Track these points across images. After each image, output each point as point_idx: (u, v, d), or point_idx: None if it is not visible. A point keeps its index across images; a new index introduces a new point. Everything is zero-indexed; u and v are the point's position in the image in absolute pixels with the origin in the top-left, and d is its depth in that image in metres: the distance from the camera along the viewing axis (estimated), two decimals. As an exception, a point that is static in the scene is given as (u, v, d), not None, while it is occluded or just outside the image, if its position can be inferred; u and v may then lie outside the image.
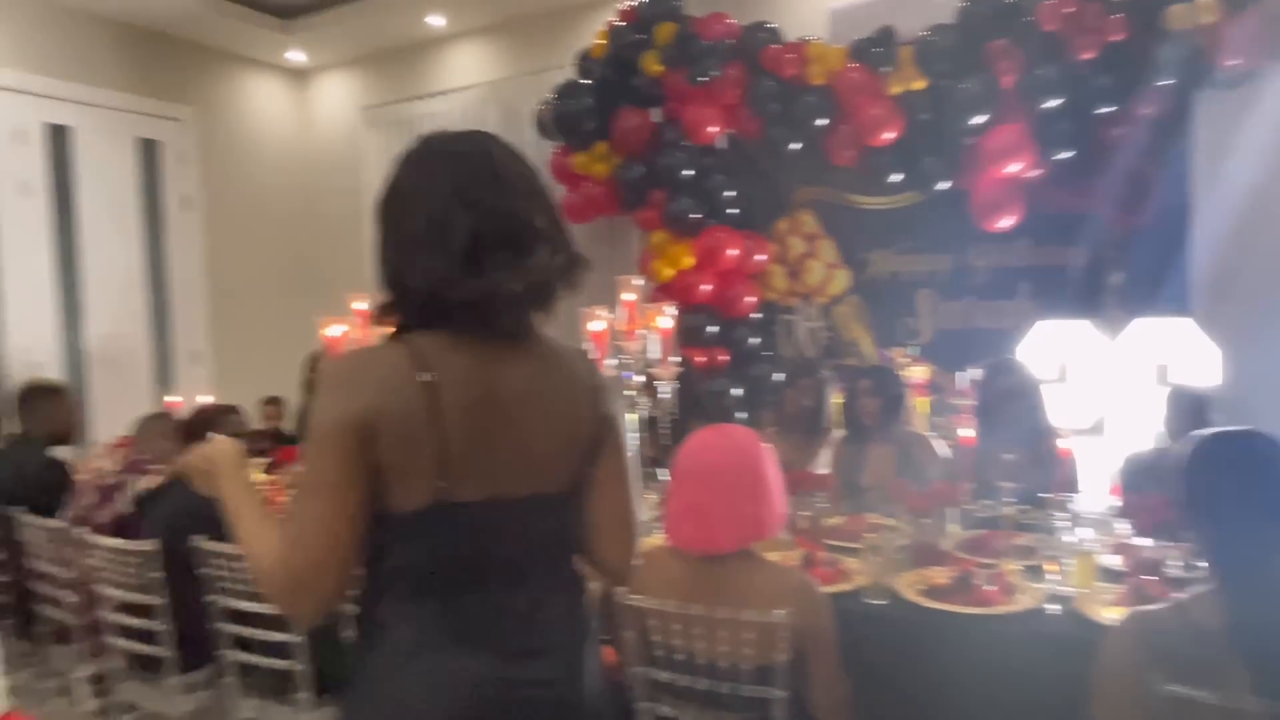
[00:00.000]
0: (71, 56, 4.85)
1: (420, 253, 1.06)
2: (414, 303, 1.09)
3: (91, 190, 4.97)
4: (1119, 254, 3.74)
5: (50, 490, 2.96)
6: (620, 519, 1.22)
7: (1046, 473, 2.57)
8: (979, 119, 3.59)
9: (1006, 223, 3.76)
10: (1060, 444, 2.45)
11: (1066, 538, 2.03)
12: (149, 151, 5.29)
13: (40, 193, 4.75)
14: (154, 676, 2.45)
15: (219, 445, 1.23)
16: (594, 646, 1.22)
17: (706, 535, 1.65)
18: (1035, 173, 3.65)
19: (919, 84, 3.74)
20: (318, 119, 6.14)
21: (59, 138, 4.84)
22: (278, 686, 2.35)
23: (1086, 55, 3.38)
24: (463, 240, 1.04)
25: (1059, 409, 2.99)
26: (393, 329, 1.11)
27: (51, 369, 4.70)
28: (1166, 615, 1.36)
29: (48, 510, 2.76)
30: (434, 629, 1.07)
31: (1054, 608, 1.90)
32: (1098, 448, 3.41)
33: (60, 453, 3.24)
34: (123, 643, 2.46)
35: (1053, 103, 3.45)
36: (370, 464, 1.03)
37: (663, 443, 2.65)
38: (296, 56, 5.87)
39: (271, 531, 1.09)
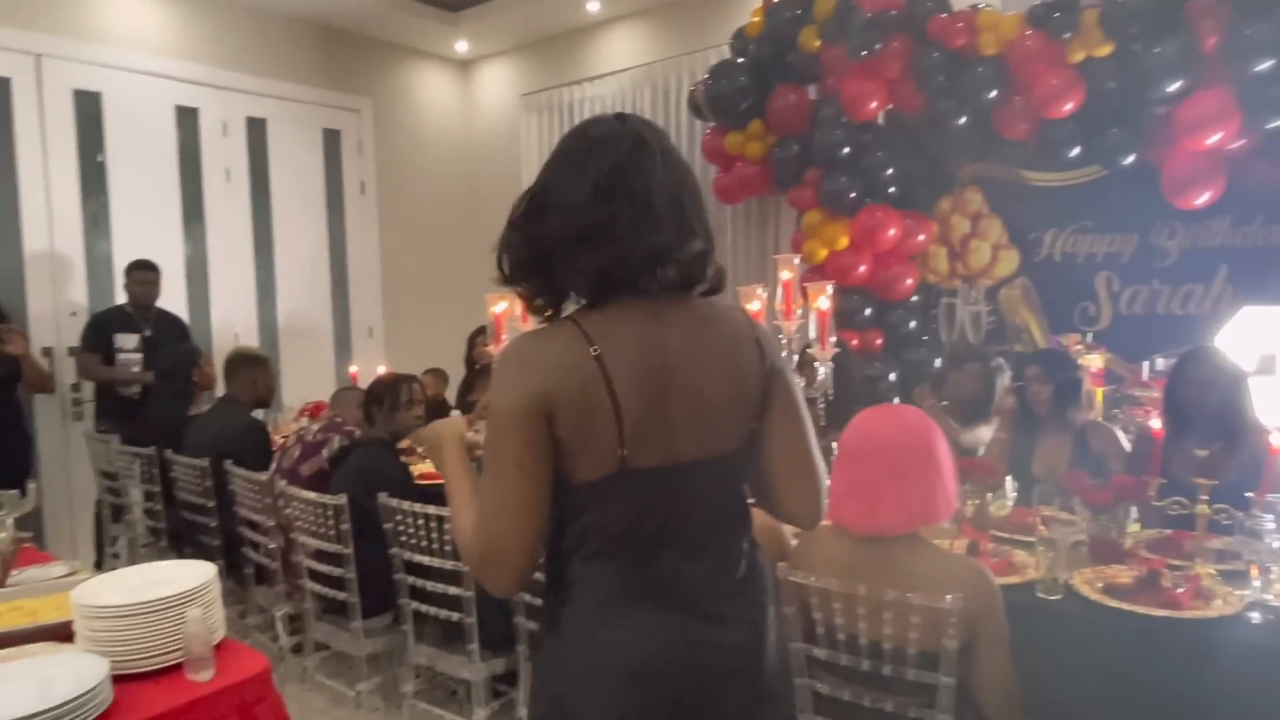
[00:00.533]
0: (268, 54, 5.31)
1: (560, 229, 1.11)
2: (550, 280, 1.13)
3: (282, 177, 5.44)
4: (1338, 233, 3.34)
5: (254, 447, 3.30)
6: (802, 466, 1.22)
7: (1250, 472, 2.35)
8: (1174, 85, 3.29)
9: (1203, 199, 3.43)
10: (1271, 441, 2.22)
11: (1273, 542, 1.85)
12: (332, 141, 5.72)
13: (241, 180, 5.24)
14: (341, 619, 2.69)
15: (450, 423, 1.31)
16: (775, 616, 1.23)
17: (873, 516, 1.63)
18: (1239, 143, 3.31)
19: (1104, 50, 3.47)
20: (481, 106, 6.43)
21: (257, 129, 5.32)
22: (449, 637, 2.52)
23: (1308, 10, 3.02)
24: (599, 218, 1.09)
25: (1265, 403, 2.72)
26: (548, 313, 1.16)
27: (248, 340, 5.21)
28: None
29: (252, 465, 3.08)
30: (622, 589, 1.12)
31: (1258, 616, 1.75)
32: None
33: (259, 415, 3.62)
34: (315, 586, 2.70)
35: (1264, 65, 3.11)
36: (551, 441, 1.08)
37: (819, 423, 2.62)
38: (461, 47, 6.15)
39: (474, 508, 1.15)
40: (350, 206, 5.82)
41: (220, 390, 3.74)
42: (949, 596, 1.52)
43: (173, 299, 4.66)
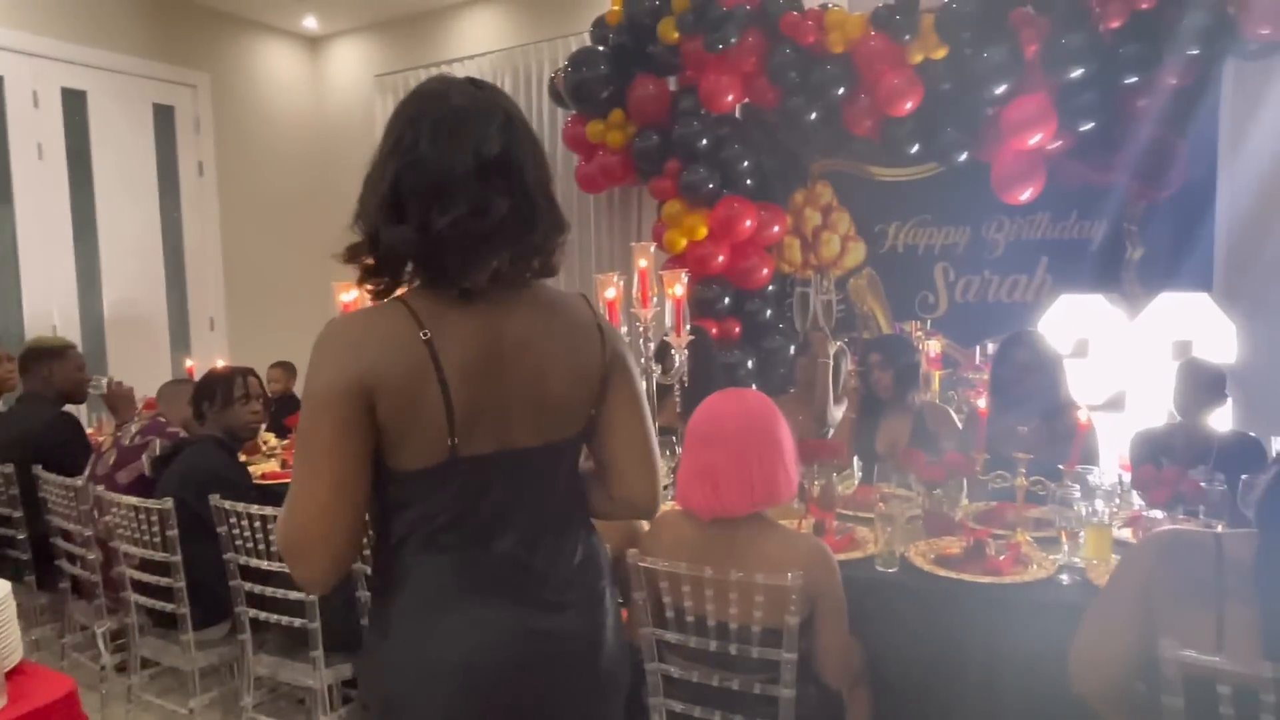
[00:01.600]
0: (88, 20, 4.83)
1: (364, 201, 1.06)
2: (374, 253, 1.06)
3: (107, 155, 4.98)
4: (1140, 228, 3.69)
5: (63, 443, 3.00)
6: (640, 453, 1.20)
7: (1063, 446, 2.55)
8: (1001, 89, 3.53)
9: (1026, 195, 3.71)
10: (1080, 418, 2.42)
11: (1081, 509, 2.02)
12: (164, 117, 5.28)
13: (57, 157, 4.76)
14: (171, 632, 2.49)
15: None
16: (613, 601, 1.22)
17: (718, 499, 1.65)
18: (1057, 144, 3.59)
19: (940, 53, 3.68)
20: (331, 86, 6.12)
21: (75, 102, 4.84)
22: (291, 644, 2.38)
23: (1113, 24, 3.31)
24: (384, 189, 1.03)
25: (1079, 384, 2.97)
26: (375, 290, 1.08)
27: (70, 332, 4.74)
28: (1197, 536, 1.34)
29: (63, 468, 2.80)
30: (453, 582, 1.07)
31: (1066, 578, 1.90)
32: (1117, 423, 3.40)
33: (70, 411, 3.28)
34: (140, 599, 2.49)
35: (1077, 72, 3.38)
36: (371, 427, 1.02)
37: (677, 410, 2.65)
38: (310, 23, 5.83)
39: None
40: (187, 189, 5.40)
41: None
42: (790, 574, 1.56)
43: (-25, 289, 4.18)
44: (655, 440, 1.24)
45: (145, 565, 2.44)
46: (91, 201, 4.91)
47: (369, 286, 1.08)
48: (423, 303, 1.05)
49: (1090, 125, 3.50)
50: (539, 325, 1.11)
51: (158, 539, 2.38)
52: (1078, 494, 2.05)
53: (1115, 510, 2.14)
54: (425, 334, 1.03)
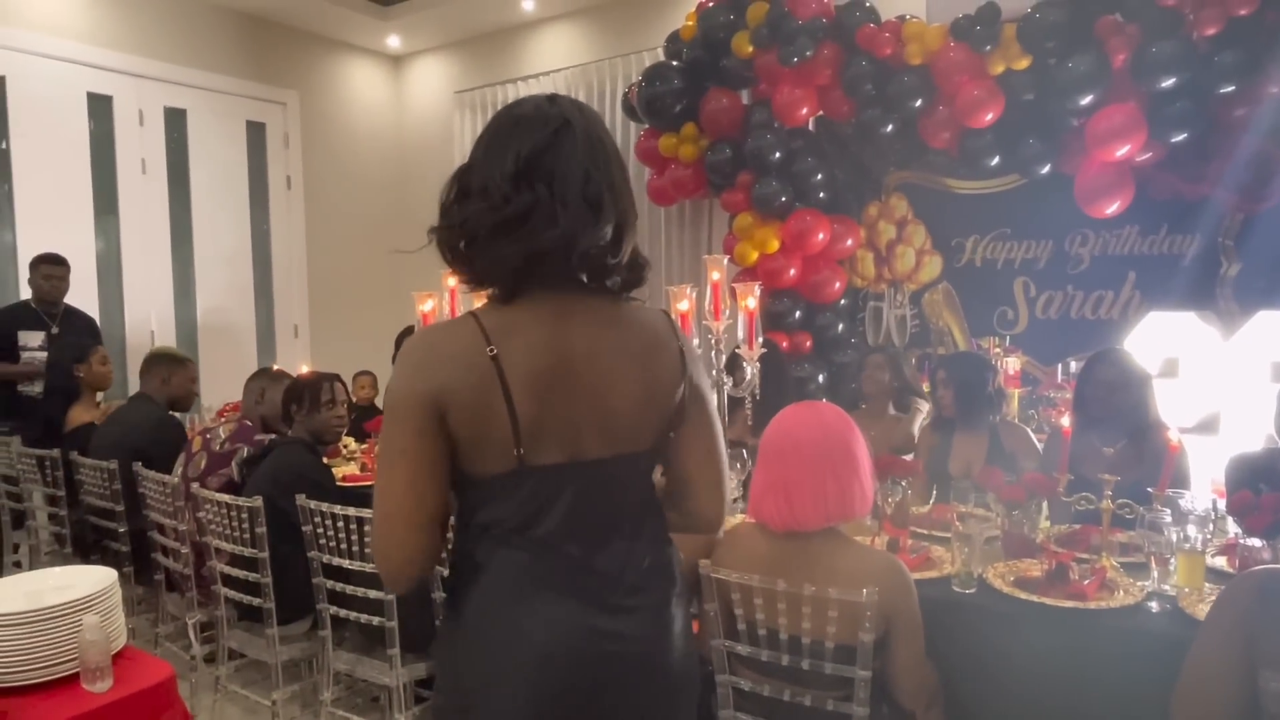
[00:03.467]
0: (189, 43, 5.12)
1: (470, 210, 1.10)
2: (462, 259, 1.12)
3: (203, 170, 5.25)
4: (1236, 243, 3.53)
5: (166, 445, 3.17)
6: (710, 474, 1.23)
7: (1151, 468, 2.45)
8: (1087, 99, 3.43)
9: (1113, 209, 3.59)
10: (1171, 439, 2.33)
11: (1172, 535, 1.94)
12: (256, 134, 5.54)
13: (159, 172, 5.04)
14: (257, 625, 2.60)
15: None
16: (683, 609, 1.23)
17: (791, 512, 1.65)
18: (1146, 156, 3.47)
19: (1022, 63, 3.59)
20: (412, 103, 6.32)
21: (176, 120, 5.13)
22: (370, 642, 2.46)
23: (1208, 30, 3.18)
24: (451, 193, 1.11)
25: (1168, 405, 2.86)
26: (481, 299, 1.16)
27: (165, 337, 5.01)
28: None
29: (164, 468, 2.95)
30: (524, 578, 1.12)
31: (1156, 605, 1.83)
32: (1209, 447, 3.25)
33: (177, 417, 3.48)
34: (229, 592, 2.61)
35: (1169, 81, 3.26)
36: (445, 434, 1.08)
37: (747, 423, 2.64)
38: (393, 42, 6.04)
39: None
40: (275, 202, 5.65)
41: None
42: (865, 590, 1.54)
43: (83, 295, 4.45)
44: (726, 461, 1.27)
45: (234, 560, 2.55)
46: (188, 213, 5.18)
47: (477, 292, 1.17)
48: (493, 318, 1.11)
49: (1183, 136, 3.36)
50: (609, 341, 1.14)
51: (247, 536, 2.49)
52: (1169, 518, 1.97)
53: (1209, 537, 2.04)
54: (492, 350, 1.07)
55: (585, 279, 1.13)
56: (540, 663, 1.10)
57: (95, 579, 1.64)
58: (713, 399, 1.26)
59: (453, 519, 1.18)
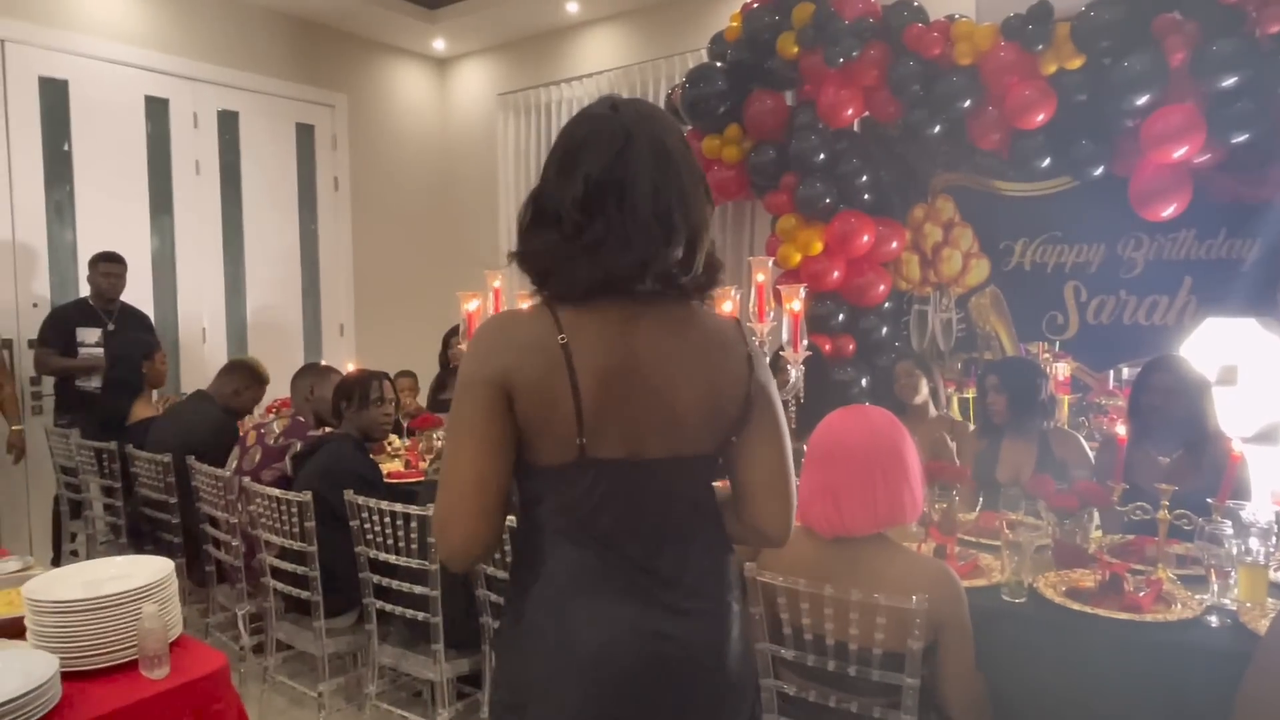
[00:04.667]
0: (242, 47, 5.24)
1: (522, 215, 1.16)
2: (533, 266, 1.15)
3: (255, 171, 5.37)
4: (1299, 248, 3.42)
5: (223, 445, 3.24)
6: (774, 484, 1.21)
7: (1210, 478, 2.38)
8: (1143, 99, 3.35)
9: (1169, 212, 3.49)
10: (1232, 449, 2.26)
11: (1233, 547, 1.88)
12: (305, 135, 5.65)
13: (212, 172, 5.16)
14: (305, 618, 2.65)
15: None
16: (742, 615, 1.23)
17: (840, 517, 1.63)
18: (1204, 157, 3.37)
19: (1075, 62, 3.52)
20: (457, 104, 6.39)
21: (229, 122, 5.25)
22: (414, 637, 2.49)
23: (1271, 28, 3.09)
24: (529, 209, 1.14)
25: (1227, 414, 2.77)
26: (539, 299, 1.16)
27: (216, 335, 5.13)
28: None
29: (218, 463, 3.02)
30: (584, 576, 1.12)
31: (1215, 620, 1.77)
32: (1270, 457, 3.15)
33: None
34: (278, 585, 2.66)
35: (1229, 81, 3.17)
36: (511, 416, 1.09)
37: (790, 425, 2.62)
38: (439, 45, 6.12)
39: None
40: (323, 202, 5.75)
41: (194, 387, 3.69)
42: (914, 597, 1.52)
43: (138, 293, 4.57)
44: (793, 473, 1.24)
45: (284, 554, 2.60)
46: (240, 214, 5.30)
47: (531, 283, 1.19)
48: (567, 310, 1.12)
49: (1243, 137, 3.26)
50: (675, 342, 1.14)
51: (296, 529, 2.53)
52: (1229, 530, 1.91)
53: (1272, 550, 1.98)
54: (563, 338, 1.09)
55: (660, 289, 1.14)
56: (597, 661, 1.10)
57: (154, 569, 1.68)
58: (781, 409, 1.23)
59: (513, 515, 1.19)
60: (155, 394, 3.89)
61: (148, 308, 4.63)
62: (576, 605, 1.12)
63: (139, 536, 3.40)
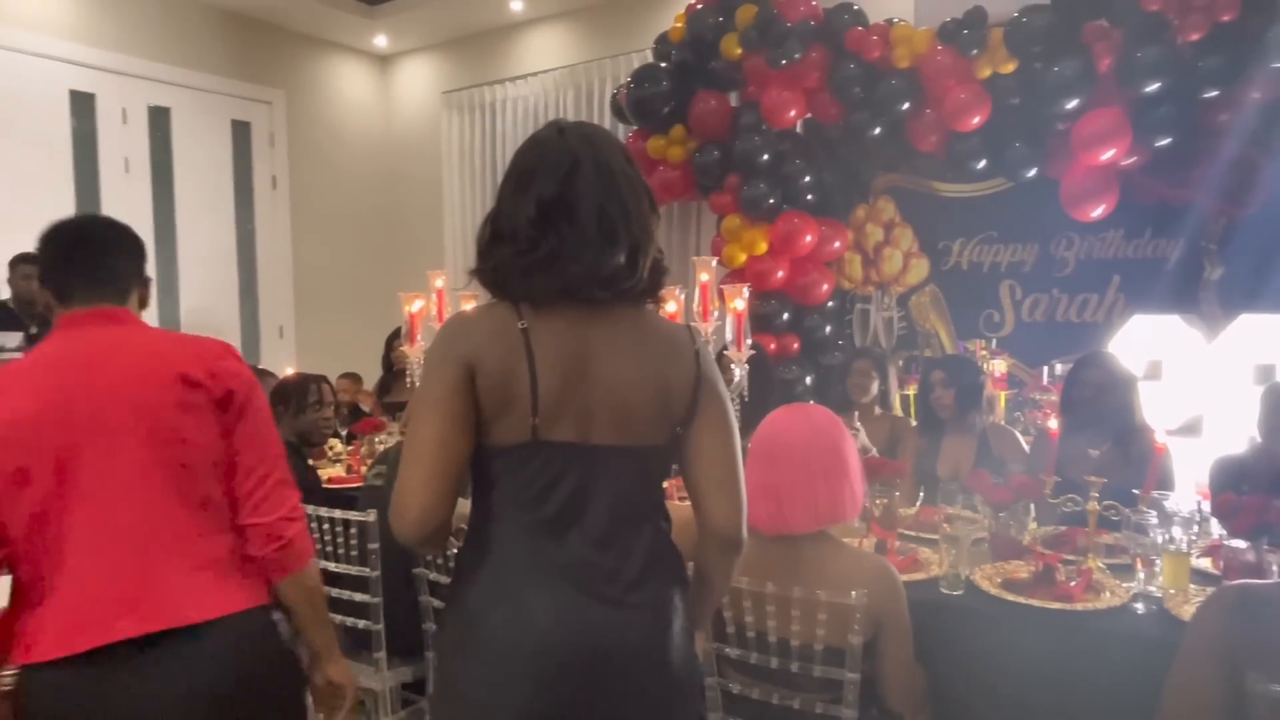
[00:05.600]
0: (174, 41, 5.07)
1: (481, 233, 1.24)
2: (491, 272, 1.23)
3: (188, 169, 5.20)
4: (1219, 247, 3.56)
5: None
6: (723, 478, 1.25)
7: (1137, 470, 2.47)
8: (1072, 103, 3.45)
9: (1098, 212, 3.61)
10: (1156, 441, 2.35)
11: (1157, 536, 1.95)
12: (241, 133, 5.50)
13: (142, 171, 4.99)
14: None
15: None
16: (685, 609, 1.25)
17: (782, 516, 1.64)
18: (1131, 160, 3.49)
19: (1009, 67, 3.62)
20: (399, 103, 6.29)
21: (160, 118, 5.08)
22: (355, 645, 2.44)
23: (1192, 36, 3.21)
24: (487, 227, 1.23)
25: (1152, 407, 2.88)
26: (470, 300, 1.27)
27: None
28: (1270, 590, 1.31)
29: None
30: (525, 569, 1.17)
31: (1141, 607, 1.84)
32: (1193, 449, 3.28)
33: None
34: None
35: (1153, 86, 3.29)
36: (472, 395, 1.16)
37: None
38: (381, 42, 6.01)
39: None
40: (260, 201, 5.60)
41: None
42: (854, 593, 1.54)
43: (64, 295, 4.39)
44: (741, 470, 1.27)
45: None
46: (172, 213, 5.13)
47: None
48: (527, 304, 1.20)
49: (1167, 141, 3.39)
50: (629, 338, 1.22)
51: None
52: (1154, 520, 1.98)
53: (1194, 538, 2.06)
54: (523, 324, 1.18)
55: (609, 296, 1.21)
56: (537, 652, 1.14)
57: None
58: (730, 406, 1.28)
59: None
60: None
61: (74, 311, 4.45)
62: (519, 593, 1.16)
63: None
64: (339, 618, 2.33)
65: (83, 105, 4.72)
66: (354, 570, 2.28)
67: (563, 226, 1.17)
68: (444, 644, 1.24)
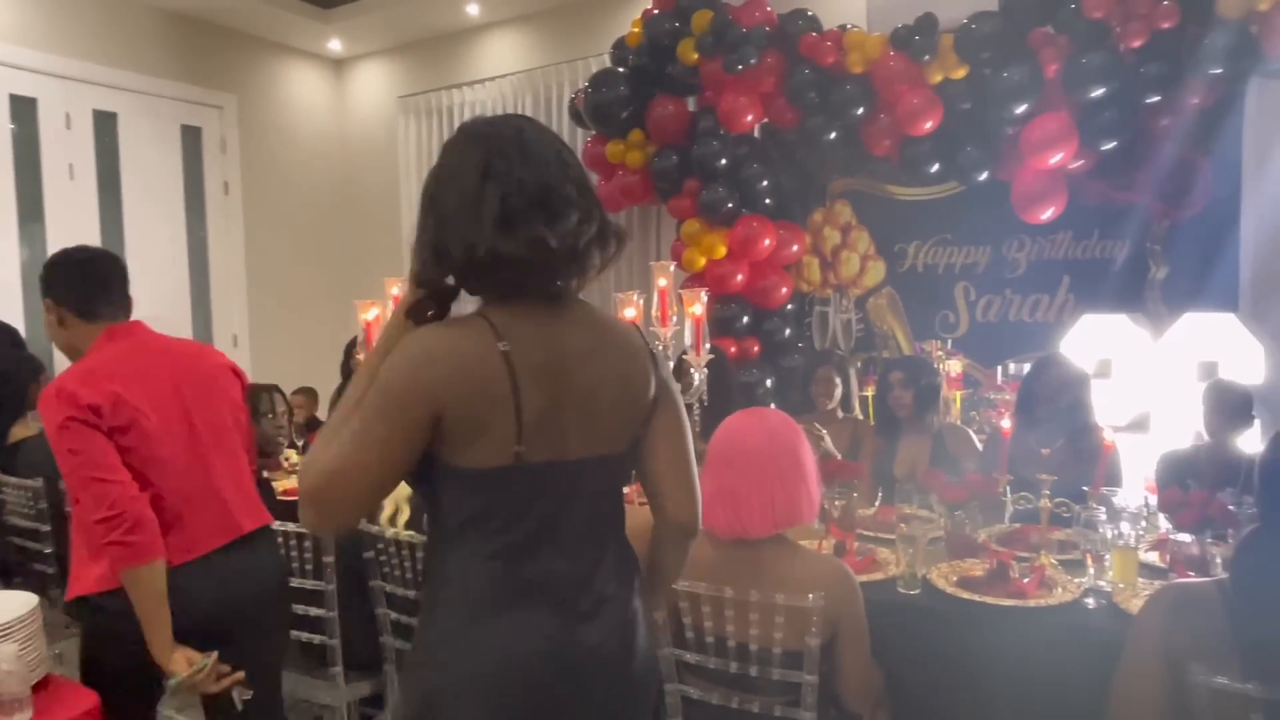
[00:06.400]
0: (119, 44, 4.94)
1: (459, 225, 1.11)
2: (456, 271, 1.14)
3: (136, 176, 5.07)
4: (1164, 248, 3.66)
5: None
6: (679, 474, 1.27)
7: (1087, 467, 2.52)
8: (1021, 108, 3.53)
9: (1048, 215, 3.69)
10: (1105, 438, 2.40)
11: (1106, 532, 2.00)
12: (191, 138, 5.38)
13: (88, 177, 4.85)
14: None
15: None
16: (645, 612, 1.28)
17: (739, 520, 1.65)
18: (1078, 164, 3.58)
19: (959, 72, 3.68)
20: (355, 107, 6.21)
21: (106, 123, 4.94)
22: (311, 660, 2.39)
23: (1134, 43, 3.30)
24: (494, 208, 1.09)
25: (1102, 405, 2.95)
26: (428, 311, 1.17)
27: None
28: (1205, 589, 1.35)
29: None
30: (498, 587, 1.13)
31: (1092, 601, 1.87)
32: (1141, 444, 3.36)
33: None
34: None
35: (1098, 92, 3.37)
36: (432, 429, 1.09)
37: (695, 429, 2.64)
38: (335, 45, 5.93)
39: (333, 443, 1.11)
40: (212, 208, 5.48)
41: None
42: (810, 595, 1.55)
43: (7, 306, 4.26)
44: (695, 465, 1.30)
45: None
46: (120, 221, 4.99)
47: (431, 310, 1.17)
48: (500, 317, 1.13)
49: (1112, 144, 3.48)
50: (596, 341, 1.19)
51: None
52: (1103, 516, 2.03)
53: (1141, 533, 2.11)
54: (504, 346, 1.10)
55: (574, 275, 1.17)
56: (507, 676, 1.12)
57: (14, 605, 1.56)
58: (682, 403, 1.30)
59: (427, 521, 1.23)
60: (31, 415, 3.62)
61: (19, 323, 4.31)
62: (487, 619, 1.13)
63: (6, 569, 3.15)
64: (295, 633, 2.28)
65: (23, 110, 4.58)
66: (310, 584, 2.23)
67: (532, 211, 1.10)
68: (415, 669, 1.20)
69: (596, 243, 1.16)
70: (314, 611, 2.23)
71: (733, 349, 4.16)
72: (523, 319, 1.13)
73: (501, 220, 1.09)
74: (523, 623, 1.13)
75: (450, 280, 1.16)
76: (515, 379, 1.09)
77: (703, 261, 4.17)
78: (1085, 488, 2.26)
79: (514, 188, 1.10)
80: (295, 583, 2.24)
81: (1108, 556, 1.98)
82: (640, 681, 1.24)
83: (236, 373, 2.06)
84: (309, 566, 2.23)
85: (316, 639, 2.24)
